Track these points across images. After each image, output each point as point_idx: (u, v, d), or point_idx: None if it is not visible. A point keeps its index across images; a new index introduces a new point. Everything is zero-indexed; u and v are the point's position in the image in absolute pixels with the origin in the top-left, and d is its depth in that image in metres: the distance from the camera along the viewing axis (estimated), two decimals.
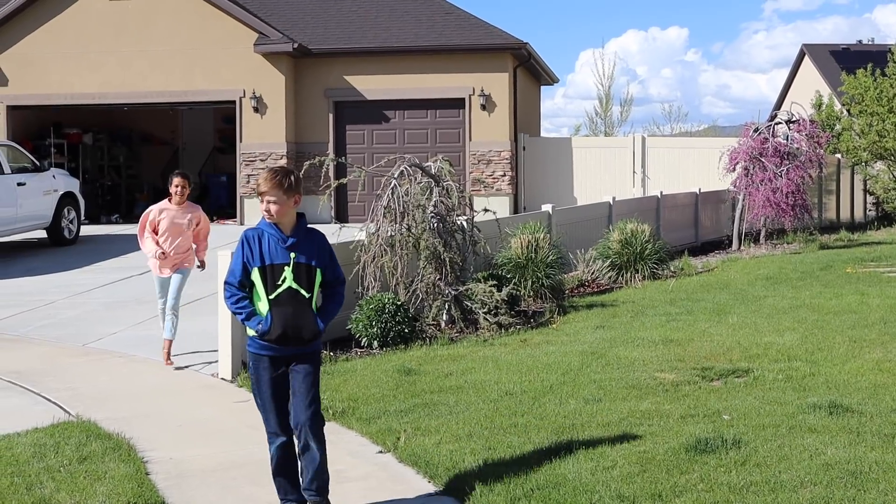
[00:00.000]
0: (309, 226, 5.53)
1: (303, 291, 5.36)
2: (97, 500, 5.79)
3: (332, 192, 14.36)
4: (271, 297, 5.33)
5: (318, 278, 5.44)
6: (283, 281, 5.31)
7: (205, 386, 9.19)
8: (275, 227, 5.40)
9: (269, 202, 5.33)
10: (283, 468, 5.48)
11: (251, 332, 5.38)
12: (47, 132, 26.56)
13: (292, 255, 5.35)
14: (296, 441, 5.47)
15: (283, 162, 24.25)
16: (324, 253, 5.49)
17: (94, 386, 9.19)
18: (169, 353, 10.03)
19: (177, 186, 10.38)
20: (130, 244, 20.02)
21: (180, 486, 6.17)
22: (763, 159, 20.85)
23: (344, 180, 12.22)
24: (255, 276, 5.36)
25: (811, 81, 42.03)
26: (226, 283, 5.42)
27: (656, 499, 5.52)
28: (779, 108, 36.95)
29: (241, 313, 5.38)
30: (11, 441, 7.10)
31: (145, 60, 24.64)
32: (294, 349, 5.40)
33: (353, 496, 5.93)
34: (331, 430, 7.39)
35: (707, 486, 5.69)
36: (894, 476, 5.76)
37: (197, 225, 10.46)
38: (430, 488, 6.00)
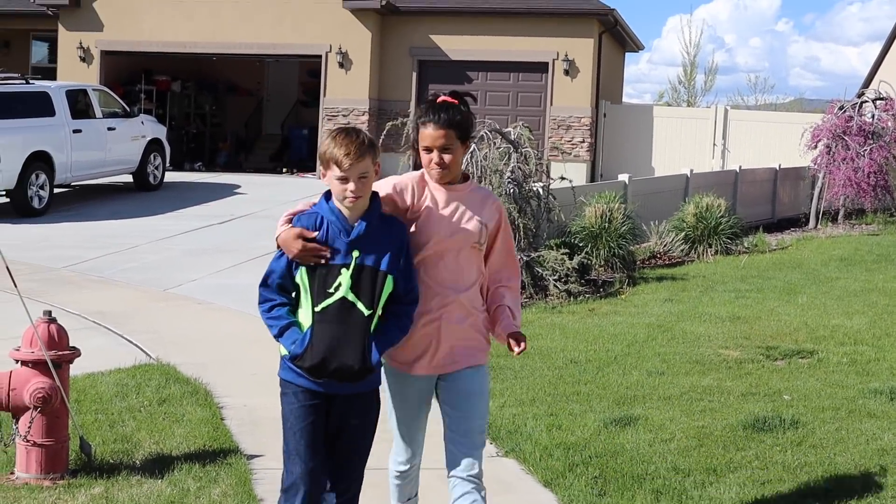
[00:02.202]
0: (385, 212, 4.02)
1: (361, 306, 3.87)
2: (175, 441, 6.11)
3: (413, 153, 14.56)
4: (317, 308, 3.87)
5: (388, 288, 3.93)
6: (337, 288, 3.86)
7: None
8: (336, 211, 3.95)
9: (359, 177, 3.88)
10: None
11: (283, 352, 4.00)
12: (138, 78, 27.13)
13: (355, 253, 3.88)
14: None
15: (366, 119, 24.54)
16: (400, 252, 3.96)
17: (174, 331, 9.56)
18: None
19: None
20: (211, 193, 20.54)
21: (253, 433, 6.47)
22: (846, 138, 20.58)
23: None
24: (302, 277, 3.93)
25: None
26: (259, 286, 4.02)
27: (710, 473, 5.68)
28: (868, 85, 36.24)
29: (273, 326, 3.96)
30: (95, 380, 7.46)
31: (236, 11, 25.01)
32: (337, 387, 3.97)
33: None
34: None
35: (762, 463, 5.84)
36: None
37: None
38: (492, 450, 6.22)
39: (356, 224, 3.91)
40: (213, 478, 5.51)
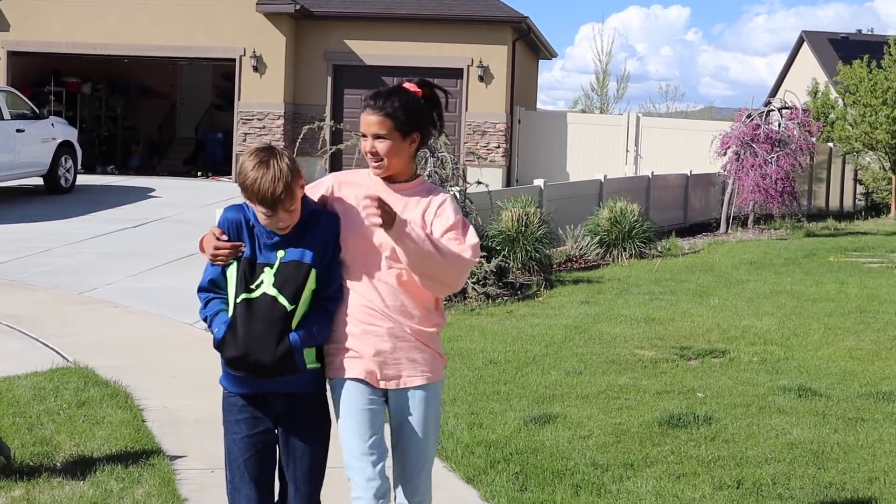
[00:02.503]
0: (316, 209, 3.85)
1: (283, 300, 3.75)
2: (96, 443, 6.06)
3: (328, 157, 14.56)
4: (238, 300, 3.76)
5: (311, 283, 3.78)
6: (259, 286, 3.76)
7: (198, 340, 9.44)
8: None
9: (286, 211, 3.75)
10: None
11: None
12: (47, 80, 26.65)
13: (280, 253, 3.78)
14: None
15: (281, 123, 24.46)
16: (327, 246, 3.81)
17: (91, 334, 9.45)
18: None
19: None
20: (125, 196, 20.27)
21: (175, 434, 6.44)
22: (754, 145, 21.12)
23: (342, 145, 12.46)
24: (232, 272, 3.82)
25: (809, 68, 42.24)
26: (197, 290, 3.90)
27: (628, 468, 5.82)
28: (775, 94, 37.22)
29: (204, 314, 3.89)
30: (12, 383, 7.35)
31: (148, 13, 24.72)
32: (268, 384, 3.80)
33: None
34: None
35: (677, 458, 6.00)
36: (854, 457, 6.08)
37: None
38: None
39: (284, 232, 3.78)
40: (135, 478, 5.49)
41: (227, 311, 3.81)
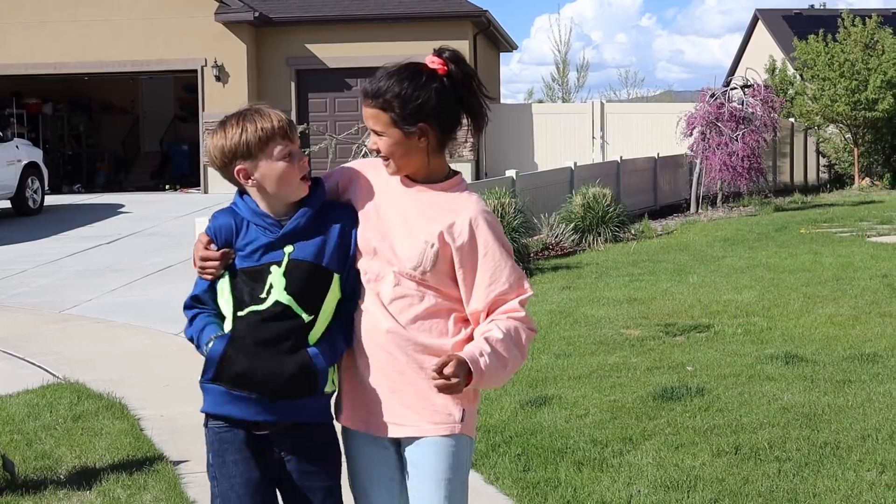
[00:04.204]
0: (328, 201, 3.15)
1: (299, 310, 3.02)
2: (97, 454, 6.07)
3: None
4: (240, 314, 3.04)
5: (335, 290, 3.07)
6: (269, 292, 3.02)
7: (186, 349, 9.36)
8: (257, 210, 3.08)
9: (302, 151, 3.17)
10: None
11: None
12: (7, 102, 26.49)
13: (288, 248, 3.04)
14: None
15: None
16: (346, 243, 3.09)
17: (78, 350, 9.43)
18: None
19: None
20: (94, 213, 20.18)
21: (175, 440, 6.46)
22: (719, 124, 21.32)
23: (315, 148, 12.50)
24: (222, 285, 3.09)
25: (765, 46, 42.59)
26: (183, 308, 3.16)
27: (627, 442, 5.90)
28: (733, 74, 37.52)
29: (189, 331, 3.13)
30: (4, 402, 7.33)
31: (106, 29, 24.61)
32: (271, 412, 3.05)
33: None
34: None
35: (674, 429, 6.09)
36: (845, 417, 6.20)
37: None
38: None
39: (294, 216, 3.05)
40: (141, 485, 5.51)
41: (218, 325, 3.07)
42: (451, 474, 3.06)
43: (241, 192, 3.12)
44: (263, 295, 3.00)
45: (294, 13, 25.16)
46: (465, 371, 2.90)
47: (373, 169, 3.17)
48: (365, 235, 3.08)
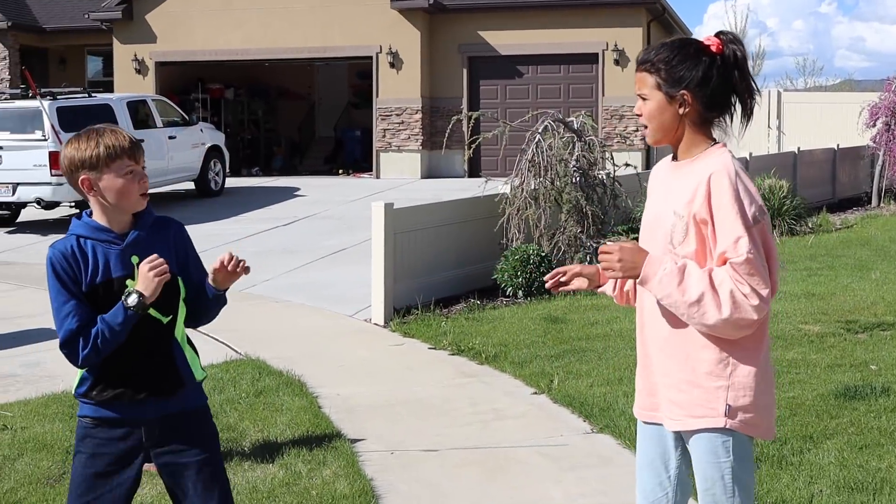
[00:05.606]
0: (159, 215, 3.48)
1: (156, 314, 3.34)
2: (278, 429, 6.28)
3: (467, 147, 14.68)
4: None
5: (183, 290, 3.43)
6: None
7: (359, 330, 9.66)
8: (97, 226, 3.34)
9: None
10: None
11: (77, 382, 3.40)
12: (192, 87, 27.53)
13: (134, 259, 3.31)
14: None
15: (419, 117, 24.70)
16: (185, 249, 3.47)
17: (257, 328, 9.76)
18: None
19: None
20: (271, 196, 20.79)
21: (351, 419, 6.63)
22: None
23: (489, 135, 12.54)
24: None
25: None
26: (60, 345, 3.26)
27: (807, 440, 5.75)
28: None
29: (96, 336, 3.27)
30: None
31: (285, 18, 25.29)
32: (141, 409, 3.37)
33: (514, 432, 6.31)
34: (485, 372, 7.83)
35: (857, 429, 5.90)
36: None
37: None
38: (587, 427, 6.34)
39: (133, 230, 3.35)
40: (321, 461, 5.68)
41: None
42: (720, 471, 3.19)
43: (79, 216, 3.38)
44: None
45: (467, 0, 25.30)
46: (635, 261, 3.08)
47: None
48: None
